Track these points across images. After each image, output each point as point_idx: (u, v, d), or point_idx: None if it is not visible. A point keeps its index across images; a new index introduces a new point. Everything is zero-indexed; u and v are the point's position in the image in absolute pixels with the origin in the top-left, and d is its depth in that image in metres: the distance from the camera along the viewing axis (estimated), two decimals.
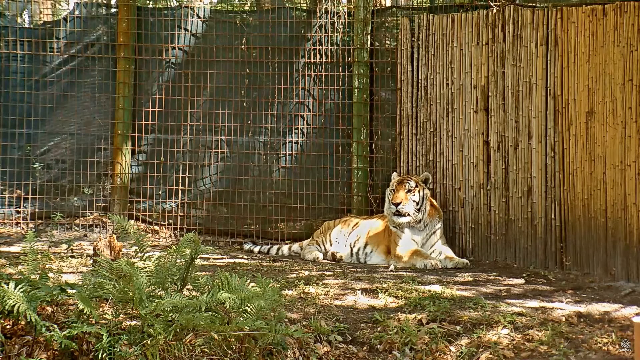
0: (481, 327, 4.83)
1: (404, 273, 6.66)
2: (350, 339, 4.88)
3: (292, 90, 8.36)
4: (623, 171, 5.79)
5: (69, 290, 4.55)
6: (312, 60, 8.33)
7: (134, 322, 4.51)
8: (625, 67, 5.89)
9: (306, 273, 6.53)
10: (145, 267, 4.68)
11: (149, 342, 4.27)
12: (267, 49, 8.39)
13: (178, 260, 4.72)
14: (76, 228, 8.41)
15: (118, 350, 4.22)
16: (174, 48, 8.46)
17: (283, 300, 5.03)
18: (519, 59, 7.15)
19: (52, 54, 8.51)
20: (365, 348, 4.80)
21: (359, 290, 5.76)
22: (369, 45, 8.19)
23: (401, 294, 5.57)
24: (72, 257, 6.71)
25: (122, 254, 5.45)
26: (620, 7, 5.96)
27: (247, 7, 11.38)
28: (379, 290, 5.68)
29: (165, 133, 8.42)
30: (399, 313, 5.10)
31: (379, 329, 4.92)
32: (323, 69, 8.33)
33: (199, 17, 8.53)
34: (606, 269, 5.94)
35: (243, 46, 8.28)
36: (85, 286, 4.61)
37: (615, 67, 5.97)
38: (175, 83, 8.47)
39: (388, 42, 8.08)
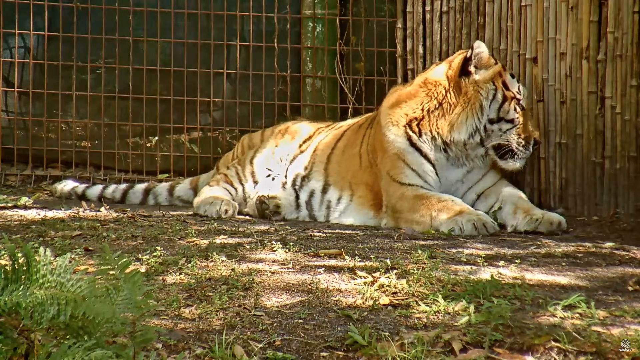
0: None
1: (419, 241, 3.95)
2: None
3: None
4: None
5: None
6: None
7: None
8: None
9: (204, 242, 3.81)
10: None
11: None
12: None
13: None
14: None
15: None
16: None
17: (153, 304, 2.53)
18: None
19: None
20: None
21: (321, 270, 3.32)
22: None
23: (411, 282, 3.10)
24: None
25: None
26: None
27: None
28: (360, 273, 3.23)
29: None
30: (402, 328, 2.71)
31: None
32: None
33: None
34: None
35: None
36: None
37: None
38: None
39: None
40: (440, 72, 4.71)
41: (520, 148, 4.56)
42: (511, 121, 4.57)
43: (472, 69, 4.58)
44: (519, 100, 4.62)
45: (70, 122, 5.92)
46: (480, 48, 4.60)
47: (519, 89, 4.66)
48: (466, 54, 4.61)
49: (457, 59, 4.70)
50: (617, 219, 4.73)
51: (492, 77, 4.59)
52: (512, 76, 4.72)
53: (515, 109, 4.58)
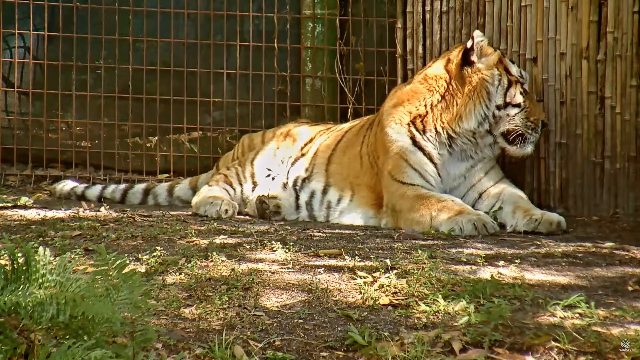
0: None
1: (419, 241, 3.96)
2: None
3: None
4: None
5: None
6: None
7: None
8: None
9: (204, 242, 3.82)
10: None
11: None
12: None
13: None
14: None
15: None
16: None
17: (152, 303, 2.63)
18: None
19: None
20: None
21: (321, 270, 3.31)
22: None
23: (410, 282, 3.09)
24: None
25: None
26: None
27: None
28: (360, 273, 3.22)
29: None
30: (402, 328, 2.71)
31: None
32: None
33: None
34: None
35: None
36: None
37: None
38: None
39: None
40: (439, 66, 4.71)
41: (530, 131, 4.56)
42: (518, 105, 4.57)
43: (474, 58, 4.58)
44: (522, 83, 4.62)
45: (70, 122, 5.92)
46: (481, 37, 4.61)
47: (520, 73, 4.67)
48: (466, 45, 4.61)
49: (456, 51, 4.70)
50: (617, 219, 4.73)
51: (494, 63, 4.60)
52: (512, 62, 4.74)
53: (520, 93, 4.59)
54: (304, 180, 4.93)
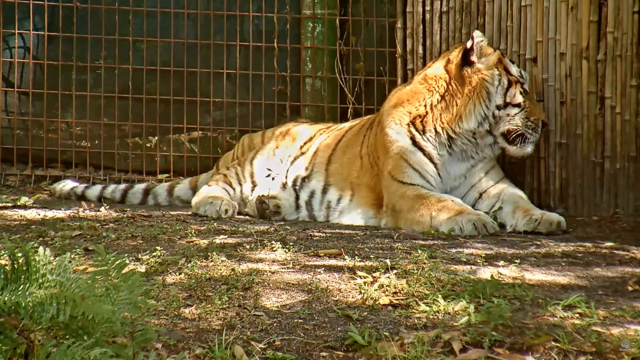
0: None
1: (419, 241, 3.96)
2: None
3: None
4: None
5: None
6: None
7: None
8: None
9: (204, 242, 3.81)
10: None
11: None
12: None
13: None
14: None
15: None
16: None
17: (152, 303, 2.67)
18: None
19: None
20: None
21: (321, 270, 3.31)
22: None
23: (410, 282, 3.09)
24: None
25: None
26: None
27: None
28: (360, 273, 3.22)
29: None
30: (402, 328, 2.71)
31: None
32: None
33: None
34: None
35: None
36: None
37: None
38: None
39: None
40: (439, 67, 4.71)
41: (530, 131, 4.56)
42: (518, 105, 4.57)
43: (474, 58, 4.58)
44: (522, 83, 4.62)
45: (70, 122, 5.92)
46: (480, 37, 4.61)
47: (520, 73, 4.67)
48: (466, 45, 4.60)
49: (455, 51, 4.70)
50: (617, 219, 4.73)
51: (494, 63, 4.59)
52: (512, 62, 4.74)
53: (520, 93, 4.58)
54: (303, 179, 4.93)
